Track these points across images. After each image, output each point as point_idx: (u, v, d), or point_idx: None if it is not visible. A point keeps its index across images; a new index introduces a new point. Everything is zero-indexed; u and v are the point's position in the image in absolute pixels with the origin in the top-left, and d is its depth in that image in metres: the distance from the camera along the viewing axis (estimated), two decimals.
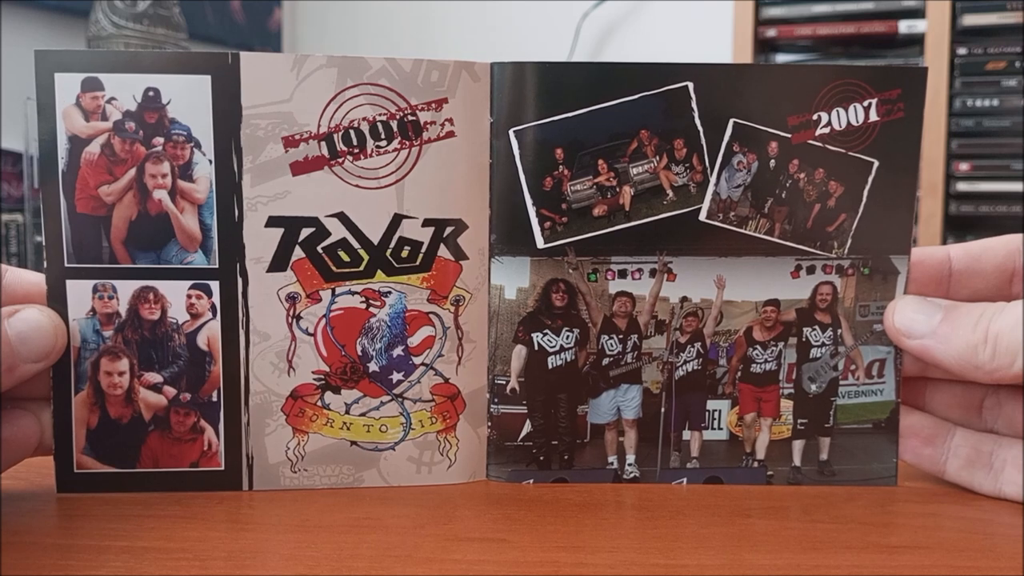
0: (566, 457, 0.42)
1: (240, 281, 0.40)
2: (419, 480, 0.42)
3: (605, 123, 0.39)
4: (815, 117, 0.40)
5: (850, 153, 0.40)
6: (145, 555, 0.34)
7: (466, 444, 0.42)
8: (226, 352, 0.40)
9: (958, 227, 1.72)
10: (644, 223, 0.40)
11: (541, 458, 0.42)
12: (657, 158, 0.40)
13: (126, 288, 0.40)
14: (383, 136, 0.40)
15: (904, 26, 1.75)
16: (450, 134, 0.40)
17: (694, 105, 0.40)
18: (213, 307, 0.40)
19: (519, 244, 0.41)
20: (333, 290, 0.41)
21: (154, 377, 0.40)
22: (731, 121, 0.40)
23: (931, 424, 0.42)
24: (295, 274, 0.41)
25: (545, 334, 0.42)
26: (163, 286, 0.40)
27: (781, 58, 1.91)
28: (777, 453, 0.42)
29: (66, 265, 0.40)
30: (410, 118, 0.40)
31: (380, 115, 0.40)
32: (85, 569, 0.32)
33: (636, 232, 0.40)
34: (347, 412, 0.41)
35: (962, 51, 1.70)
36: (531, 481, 0.42)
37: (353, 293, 0.41)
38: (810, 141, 0.40)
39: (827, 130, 0.40)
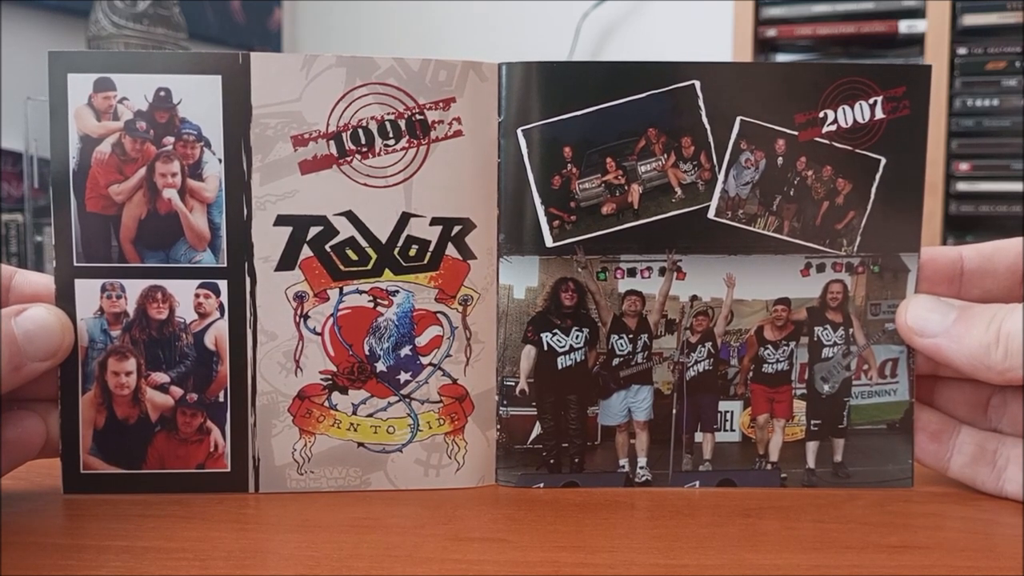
0: (576, 460, 0.42)
1: (248, 280, 0.40)
2: (427, 483, 0.42)
3: (613, 121, 0.40)
4: (821, 115, 0.40)
5: (857, 151, 0.40)
6: (145, 555, 0.34)
7: (475, 447, 0.42)
8: (233, 352, 0.40)
9: (958, 227, 1.72)
10: (653, 221, 0.41)
11: (551, 461, 0.42)
12: (665, 156, 0.40)
13: (134, 287, 0.40)
14: (391, 135, 0.40)
15: (904, 26, 1.75)
16: (458, 133, 0.40)
17: (701, 103, 0.40)
18: (221, 306, 0.40)
19: (528, 243, 0.41)
20: (341, 289, 0.41)
21: (161, 377, 0.40)
22: (738, 119, 0.40)
23: (938, 420, 0.42)
24: (303, 273, 0.41)
25: (555, 334, 0.41)
26: (171, 285, 0.40)
27: (781, 58, 1.91)
28: (791, 455, 0.42)
29: (75, 264, 0.40)
30: (418, 117, 0.40)
31: (388, 114, 0.40)
32: (85, 569, 0.32)
33: (645, 230, 0.41)
34: (354, 413, 0.41)
35: (962, 51, 1.70)
36: (541, 485, 0.42)
37: (361, 292, 0.41)
38: (817, 138, 0.40)
39: (834, 127, 0.40)
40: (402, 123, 0.40)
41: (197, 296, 0.40)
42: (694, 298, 0.41)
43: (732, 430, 0.42)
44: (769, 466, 0.42)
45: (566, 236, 0.40)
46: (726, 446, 0.42)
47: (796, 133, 0.40)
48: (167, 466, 0.41)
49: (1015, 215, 1.68)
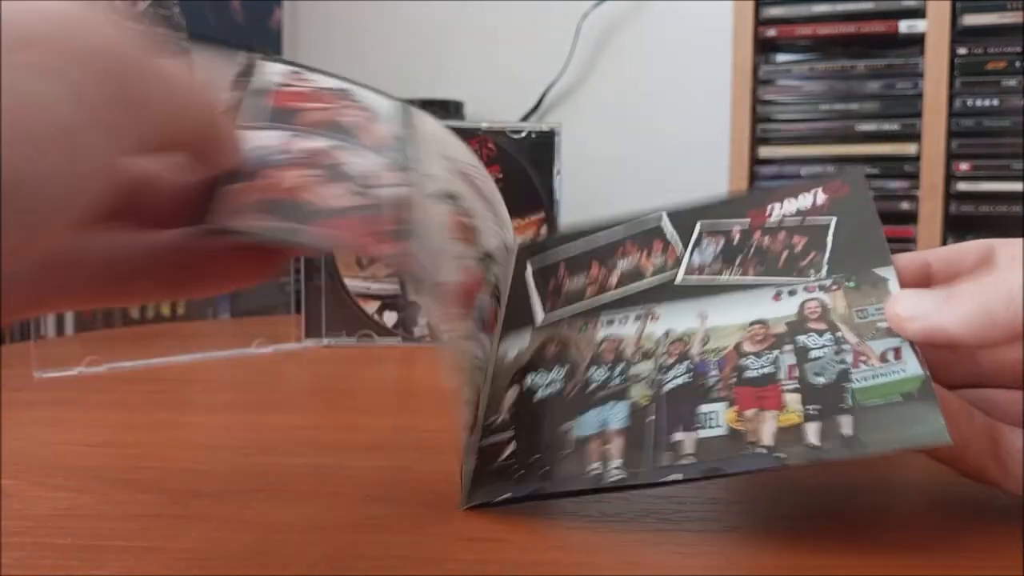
0: (547, 469, 0.39)
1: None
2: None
3: (597, 252, 0.49)
4: (770, 209, 0.46)
5: (807, 220, 0.44)
6: (145, 555, 0.34)
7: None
8: None
9: (958, 227, 1.72)
10: (627, 293, 0.46)
11: (521, 472, 0.39)
12: (639, 254, 0.48)
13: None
14: None
15: (904, 26, 1.75)
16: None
17: (666, 232, 0.48)
18: None
19: (525, 322, 0.47)
20: None
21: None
22: (698, 226, 0.47)
23: (958, 402, 0.38)
24: None
25: (538, 373, 0.43)
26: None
27: (781, 58, 1.91)
28: (788, 438, 0.36)
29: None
30: None
31: None
32: (85, 569, 0.32)
33: (621, 299, 0.46)
34: None
35: (962, 51, 1.70)
36: (508, 495, 0.39)
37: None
38: (767, 224, 0.45)
39: (780, 216, 0.45)
40: None
41: None
42: (668, 332, 0.42)
43: (718, 426, 0.38)
44: (764, 451, 0.36)
45: (555, 314, 0.47)
46: (711, 440, 0.37)
47: (747, 226, 0.46)
48: None
49: (1015, 215, 1.68)
